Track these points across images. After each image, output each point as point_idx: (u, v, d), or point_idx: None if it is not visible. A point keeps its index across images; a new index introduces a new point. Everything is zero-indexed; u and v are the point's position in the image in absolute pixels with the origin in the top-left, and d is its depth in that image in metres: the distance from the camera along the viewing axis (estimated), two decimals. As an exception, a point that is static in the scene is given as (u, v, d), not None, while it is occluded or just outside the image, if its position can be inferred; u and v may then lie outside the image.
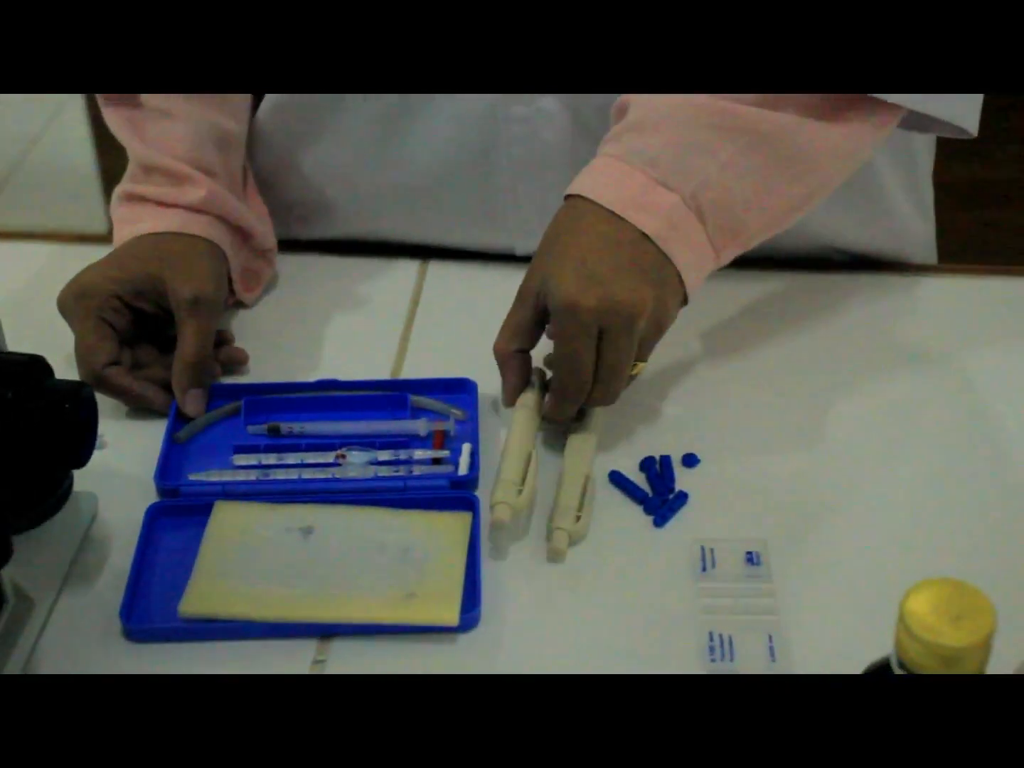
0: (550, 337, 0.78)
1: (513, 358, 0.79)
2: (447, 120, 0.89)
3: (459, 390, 0.84)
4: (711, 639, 0.68)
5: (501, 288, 0.93)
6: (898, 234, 0.97)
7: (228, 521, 0.74)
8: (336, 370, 0.86)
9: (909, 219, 0.97)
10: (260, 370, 0.88)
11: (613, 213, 0.75)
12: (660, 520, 0.75)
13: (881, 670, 0.53)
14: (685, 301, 0.78)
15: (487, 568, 0.72)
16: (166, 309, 0.84)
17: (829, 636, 0.68)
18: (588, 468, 0.78)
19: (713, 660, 0.67)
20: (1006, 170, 2.12)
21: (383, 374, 0.87)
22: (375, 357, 0.89)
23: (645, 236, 0.75)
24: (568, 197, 0.78)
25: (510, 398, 0.81)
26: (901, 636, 0.50)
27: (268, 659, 0.68)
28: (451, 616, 0.68)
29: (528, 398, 0.81)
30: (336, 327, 0.92)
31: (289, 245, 0.98)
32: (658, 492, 0.77)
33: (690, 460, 0.79)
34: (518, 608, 0.71)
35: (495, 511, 0.74)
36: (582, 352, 0.74)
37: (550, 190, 0.89)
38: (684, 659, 0.68)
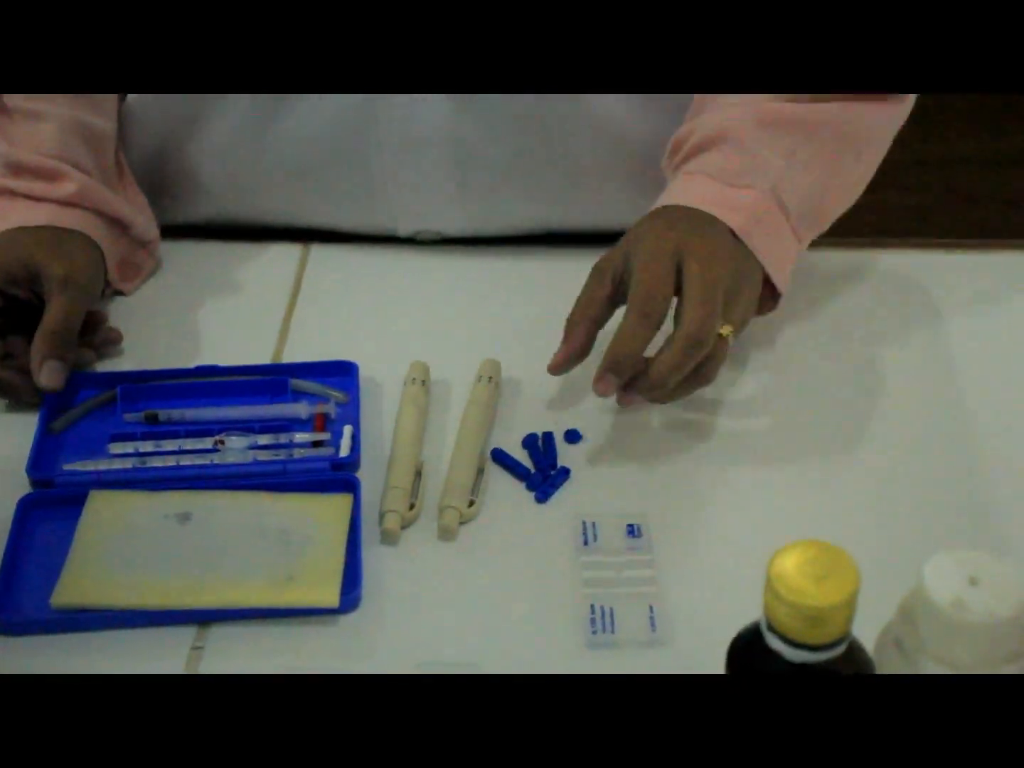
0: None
1: (582, 324, 0.77)
2: (324, 100, 0.88)
3: (340, 373, 0.83)
4: (592, 611, 0.68)
5: (384, 269, 0.93)
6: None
7: (103, 510, 0.73)
8: (215, 356, 0.84)
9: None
10: (136, 358, 0.86)
11: (700, 211, 0.77)
12: (542, 496, 0.75)
13: (751, 635, 0.53)
14: (775, 299, 0.81)
15: (369, 549, 0.72)
16: (39, 295, 0.82)
17: (709, 604, 0.69)
18: (483, 446, 0.77)
19: (594, 632, 0.67)
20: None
21: (264, 359, 0.86)
22: (256, 342, 0.87)
23: (732, 233, 0.77)
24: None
25: (560, 363, 0.77)
26: (768, 598, 0.51)
27: (145, 647, 0.67)
28: (331, 597, 0.68)
29: (418, 396, 0.80)
30: (216, 312, 0.90)
31: (169, 231, 0.96)
32: (540, 468, 0.77)
33: (572, 436, 0.79)
34: (401, 588, 0.71)
35: (385, 520, 0.73)
36: (660, 272, 0.73)
37: (430, 170, 0.89)
38: (566, 633, 0.68)
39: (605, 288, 0.76)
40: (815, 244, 0.85)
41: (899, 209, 2.04)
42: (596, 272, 0.77)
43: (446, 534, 0.73)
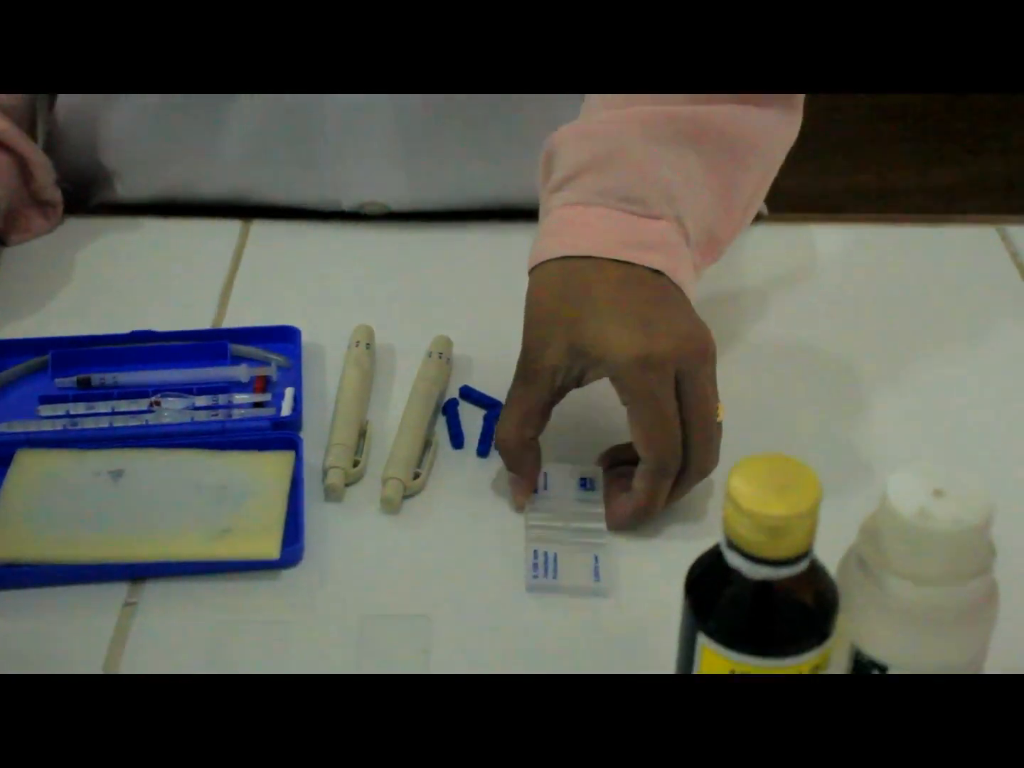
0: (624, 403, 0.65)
1: (529, 447, 0.68)
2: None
3: (282, 338, 0.80)
4: (535, 556, 0.66)
5: (328, 243, 0.92)
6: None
7: (31, 468, 0.69)
8: (153, 324, 0.81)
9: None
10: (70, 325, 0.83)
11: (616, 260, 0.67)
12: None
13: (710, 557, 0.51)
14: None
15: (313, 506, 0.69)
16: None
17: (656, 562, 0.67)
18: (431, 421, 0.75)
19: (536, 576, 0.65)
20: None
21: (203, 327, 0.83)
22: (194, 313, 0.84)
23: (656, 272, 0.67)
24: (545, 263, 0.68)
25: (525, 495, 0.69)
26: (728, 512, 0.49)
27: (75, 605, 0.64)
28: (271, 549, 0.65)
29: (362, 358, 0.78)
30: (154, 284, 0.87)
31: (111, 208, 0.94)
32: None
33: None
34: (345, 541, 0.68)
35: (328, 476, 0.71)
36: (666, 404, 0.64)
37: (374, 135, 0.87)
38: (508, 579, 0.66)
39: (542, 393, 0.66)
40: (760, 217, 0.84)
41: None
42: (526, 378, 0.67)
43: (388, 506, 0.70)
